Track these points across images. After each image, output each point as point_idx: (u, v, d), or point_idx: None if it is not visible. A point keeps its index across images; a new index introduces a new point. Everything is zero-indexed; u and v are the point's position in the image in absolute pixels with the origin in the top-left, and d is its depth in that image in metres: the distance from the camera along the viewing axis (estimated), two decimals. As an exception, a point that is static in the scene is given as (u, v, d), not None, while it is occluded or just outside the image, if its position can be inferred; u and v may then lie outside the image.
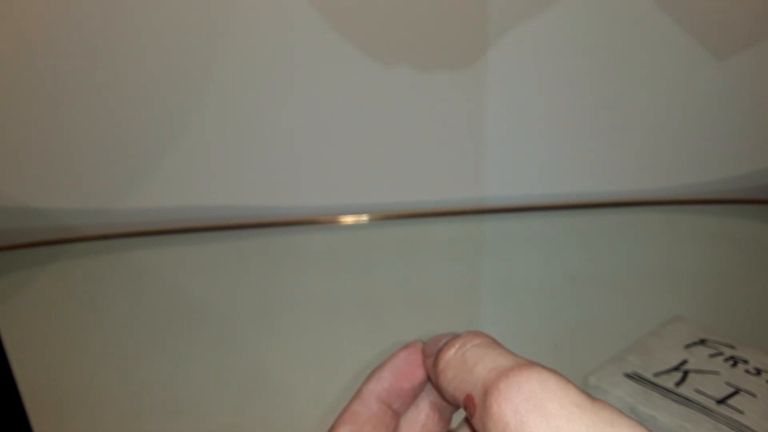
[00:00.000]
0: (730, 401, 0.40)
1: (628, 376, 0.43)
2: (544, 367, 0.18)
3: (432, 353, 0.23)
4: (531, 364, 0.18)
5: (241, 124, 0.65)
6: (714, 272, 0.59)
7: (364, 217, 0.69)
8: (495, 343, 0.20)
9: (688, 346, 0.45)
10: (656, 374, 0.43)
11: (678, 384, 0.42)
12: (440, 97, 0.65)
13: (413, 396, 0.25)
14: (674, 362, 0.44)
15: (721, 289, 0.55)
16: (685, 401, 0.40)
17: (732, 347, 0.45)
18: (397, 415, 0.25)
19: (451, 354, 0.21)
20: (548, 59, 0.65)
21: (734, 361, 0.43)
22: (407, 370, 0.24)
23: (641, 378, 0.42)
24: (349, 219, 0.69)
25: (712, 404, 0.40)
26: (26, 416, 0.43)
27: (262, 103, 0.64)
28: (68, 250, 0.67)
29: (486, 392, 0.18)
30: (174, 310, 0.59)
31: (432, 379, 0.23)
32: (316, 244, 0.67)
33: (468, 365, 0.20)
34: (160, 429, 0.47)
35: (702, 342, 0.45)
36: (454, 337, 0.22)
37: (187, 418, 0.48)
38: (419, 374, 0.24)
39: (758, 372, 0.42)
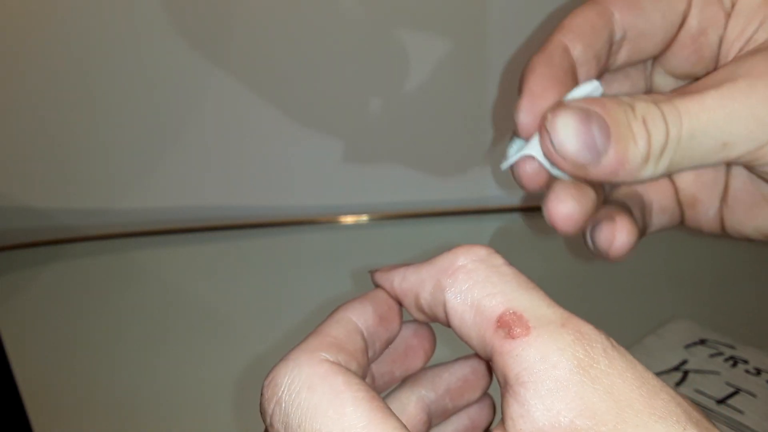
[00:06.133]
0: (730, 401, 0.40)
1: (628, 376, 0.43)
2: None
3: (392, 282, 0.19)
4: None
5: (240, 124, 0.65)
6: (714, 272, 0.58)
7: (364, 217, 0.69)
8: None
9: (688, 346, 0.45)
10: (656, 374, 0.43)
11: (678, 384, 0.42)
12: (443, 96, 0.65)
13: (384, 349, 0.20)
14: (674, 362, 0.44)
15: (721, 289, 0.55)
16: (685, 401, 0.40)
17: (732, 347, 0.45)
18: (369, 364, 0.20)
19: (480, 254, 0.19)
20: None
21: (734, 361, 0.43)
22: (389, 314, 0.20)
23: (641, 378, 0.42)
24: (349, 219, 0.69)
25: (712, 404, 0.40)
26: (26, 416, 0.43)
27: (262, 103, 0.64)
28: (68, 250, 0.67)
29: (563, 324, 0.16)
30: (174, 310, 0.59)
31: (442, 281, 0.18)
32: (316, 244, 0.67)
33: (513, 284, 0.18)
34: (159, 429, 0.47)
35: (702, 342, 0.45)
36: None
37: (186, 417, 0.48)
38: (395, 325, 0.20)
39: (758, 372, 0.42)
